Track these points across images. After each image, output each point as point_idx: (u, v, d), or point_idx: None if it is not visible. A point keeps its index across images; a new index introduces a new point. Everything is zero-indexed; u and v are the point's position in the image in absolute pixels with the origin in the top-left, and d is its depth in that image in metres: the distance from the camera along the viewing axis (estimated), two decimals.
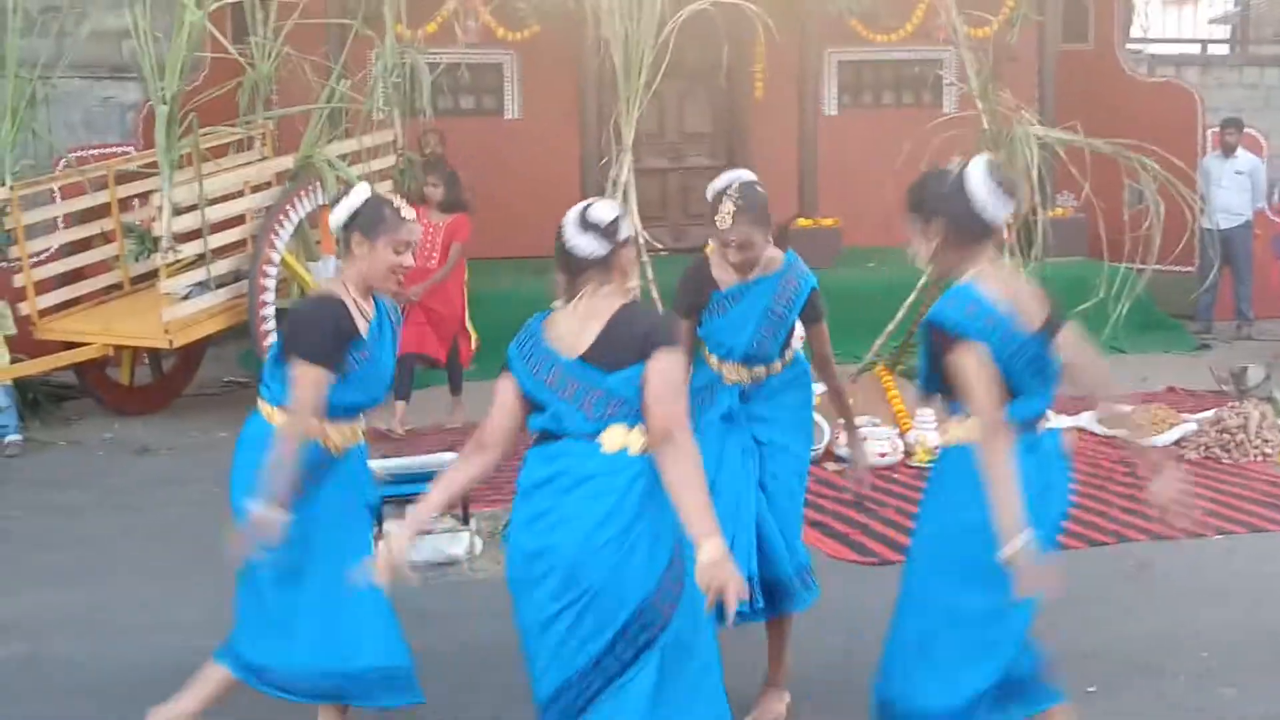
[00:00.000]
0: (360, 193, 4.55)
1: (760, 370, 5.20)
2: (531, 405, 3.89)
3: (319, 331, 4.40)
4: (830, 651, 5.72)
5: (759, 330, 5.12)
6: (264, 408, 4.55)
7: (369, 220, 4.48)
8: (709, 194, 5.14)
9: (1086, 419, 9.89)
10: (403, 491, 6.96)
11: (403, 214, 4.53)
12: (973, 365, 3.95)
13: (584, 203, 3.95)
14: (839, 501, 8.12)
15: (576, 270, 3.88)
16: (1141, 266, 9.88)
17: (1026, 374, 4.06)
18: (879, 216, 13.21)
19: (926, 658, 4.14)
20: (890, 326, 10.21)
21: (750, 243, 5.01)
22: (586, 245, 3.84)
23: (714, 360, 5.23)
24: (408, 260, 4.53)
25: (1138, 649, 5.72)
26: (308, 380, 4.38)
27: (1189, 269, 13.68)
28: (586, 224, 3.85)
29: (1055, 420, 8.53)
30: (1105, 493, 8.20)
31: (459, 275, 10.31)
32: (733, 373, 5.20)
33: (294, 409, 4.38)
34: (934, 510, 4.23)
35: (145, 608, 6.46)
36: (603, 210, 3.89)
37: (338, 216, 4.52)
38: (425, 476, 6.99)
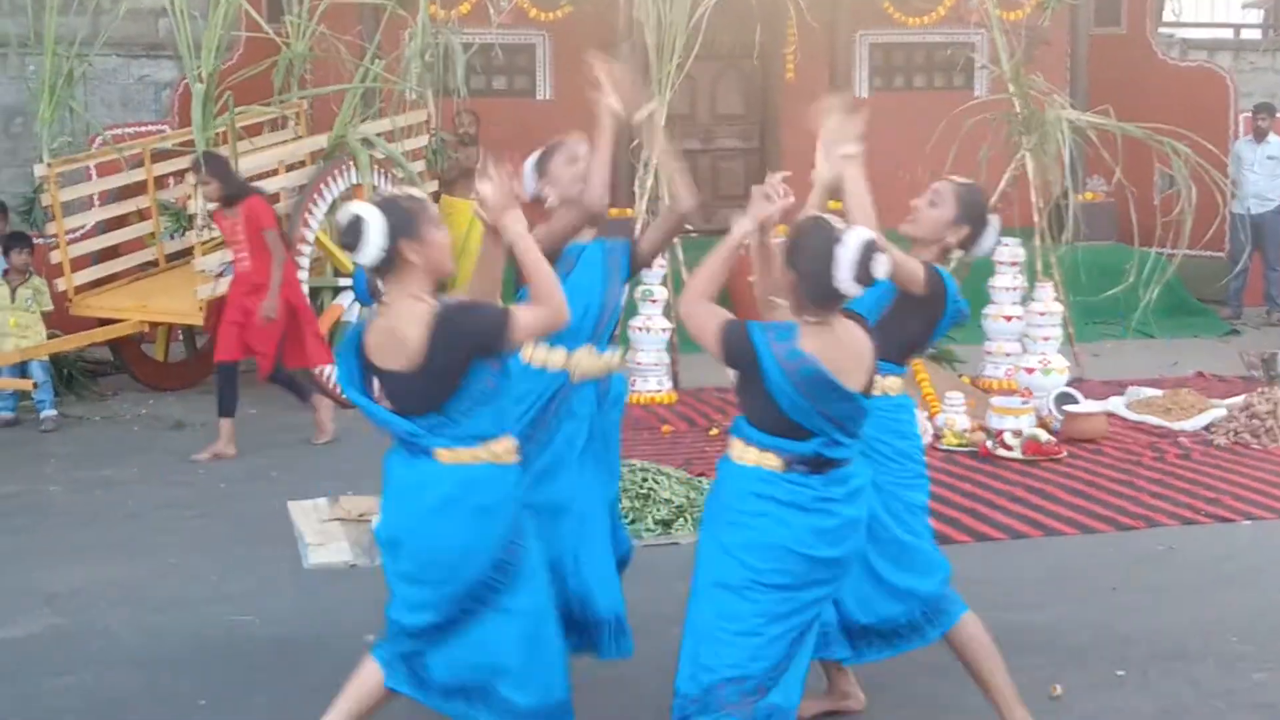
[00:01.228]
0: (368, 212, 3.95)
1: (611, 360, 4.79)
2: (775, 414, 3.93)
3: (483, 310, 3.99)
4: None
5: (606, 293, 4.73)
6: (446, 454, 3.98)
7: (403, 222, 3.97)
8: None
9: (1115, 403, 9.91)
10: None
11: (413, 194, 4.15)
12: None
13: (862, 246, 3.86)
14: None
15: (830, 304, 3.92)
16: (1172, 251, 9.88)
17: None
18: (909, 200, 13.24)
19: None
20: None
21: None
22: (852, 290, 3.88)
23: (558, 355, 4.70)
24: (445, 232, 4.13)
25: (1167, 634, 5.74)
26: (527, 313, 3.96)
27: (1219, 254, 13.67)
28: (863, 275, 3.87)
29: (1085, 404, 8.50)
30: (1135, 478, 8.22)
31: (283, 266, 9.01)
32: (587, 361, 4.71)
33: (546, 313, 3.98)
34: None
35: (185, 581, 6.53)
36: (884, 266, 3.91)
37: (370, 253, 3.92)
38: None
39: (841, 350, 3.92)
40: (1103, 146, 10.26)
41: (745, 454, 4.00)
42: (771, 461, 3.95)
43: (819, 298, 3.90)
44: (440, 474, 3.98)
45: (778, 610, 3.96)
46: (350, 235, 3.95)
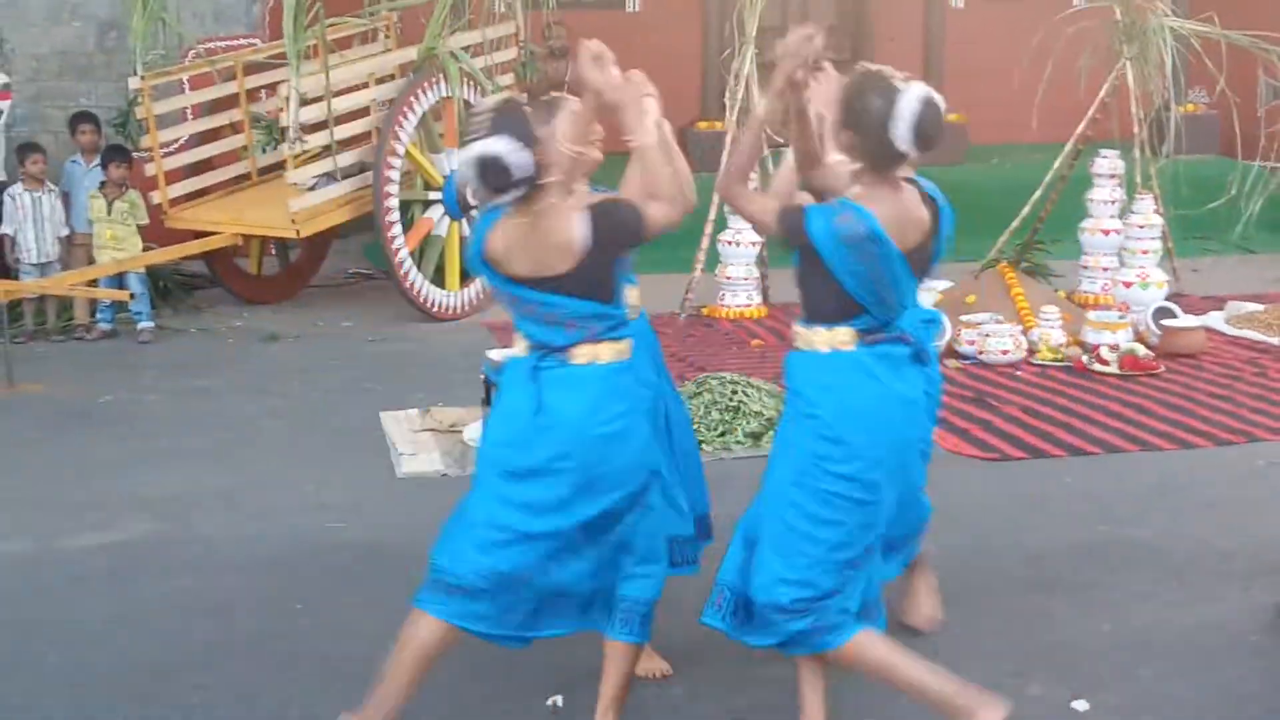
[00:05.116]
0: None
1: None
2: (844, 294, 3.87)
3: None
4: (953, 547, 5.72)
5: None
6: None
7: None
8: None
9: (1215, 318, 9.74)
10: None
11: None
12: None
13: (923, 101, 3.80)
14: (961, 398, 8.09)
15: (888, 164, 3.86)
16: (1275, 164, 9.65)
17: None
18: (1005, 112, 13.05)
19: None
20: (1014, 223, 10.09)
21: None
22: (910, 149, 3.82)
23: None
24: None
25: (1267, 549, 5.65)
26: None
27: None
28: (925, 132, 3.81)
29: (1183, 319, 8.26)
30: (1234, 393, 8.08)
31: None
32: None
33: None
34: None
35: (280, 489, 6.61)
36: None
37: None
38: None
39: (899, 211, 3.84)
40: (1206, 56, 10.00)
41: (814, 339, 3.95)
42: (843, 338, 3.90)
43: (878, 157, 3.81)
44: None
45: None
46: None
